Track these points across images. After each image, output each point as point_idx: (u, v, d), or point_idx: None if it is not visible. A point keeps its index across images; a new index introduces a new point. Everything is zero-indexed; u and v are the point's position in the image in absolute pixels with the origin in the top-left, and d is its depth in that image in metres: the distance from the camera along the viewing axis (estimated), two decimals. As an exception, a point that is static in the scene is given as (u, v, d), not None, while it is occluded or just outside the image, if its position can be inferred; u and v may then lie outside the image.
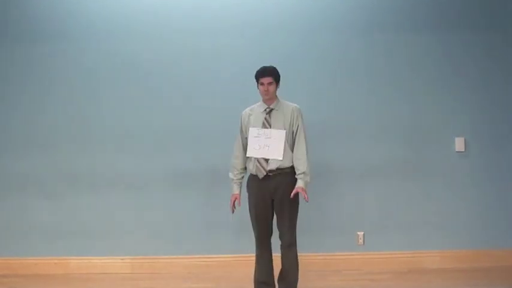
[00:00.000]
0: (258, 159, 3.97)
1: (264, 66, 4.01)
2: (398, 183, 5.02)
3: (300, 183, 3.93)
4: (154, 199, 5.07)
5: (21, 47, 5.12)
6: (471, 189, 5.02)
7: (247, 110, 4.14)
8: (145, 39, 5.09)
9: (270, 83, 3.96)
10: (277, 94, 4.08)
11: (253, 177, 4.03)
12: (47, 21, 5.11)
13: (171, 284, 4.76)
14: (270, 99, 4.02)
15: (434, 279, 4.69)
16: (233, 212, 4.11)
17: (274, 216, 4.07)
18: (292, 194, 3.92)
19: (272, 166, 3.94)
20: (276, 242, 4.08)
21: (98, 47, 5.10)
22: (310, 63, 5.04)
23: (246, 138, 4.06)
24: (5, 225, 5.12)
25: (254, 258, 4.11)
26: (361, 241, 5.02)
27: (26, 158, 5.10)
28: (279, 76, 4.03)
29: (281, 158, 3.93)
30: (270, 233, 4.08)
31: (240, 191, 4.10)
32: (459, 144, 5.00)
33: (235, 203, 4.08)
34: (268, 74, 3.97)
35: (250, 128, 4.03)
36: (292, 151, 4.00)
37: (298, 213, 4.05)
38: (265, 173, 3.95)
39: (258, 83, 4.02)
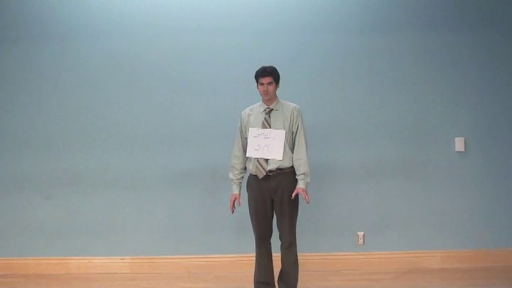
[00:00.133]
0: (257, 160, 3.97)
1: (263, 66, 4.01)
2: (398, 183, 5.02)
3: (300, 184, 3.93)
4: (154, 199, 5.07)
5: (20, 47, 5.11)
6: (471, 189, 5.01)
7: (247, 110, 4.14)
8: (145, 40, 5.08)
9: (269, 83, 3.97)
10: (277, 94, 4.08)
11: (253, 178, 4.04)
12: (46, 21, 5.10)
13: (171, 284, 4.76)
14: (269, 99, 4.03)
15: (434, 279, 4.69)
16: (233, 212, 4.11)
17: (274, 216, 4.07)
18: (293, 195, 3.93)
19: (272, 166, 3.95)
20: (276, 242, 4.09)
21: (98, 47, 5.09)
22: (310, 63, 5.03)
23: (246, 138, 4.06)
24: (5, 225, 5.12)
25: (254, 258, 4.11)
26: (361, 241, 5.02)
27: (26, 158, 5.10)
28: (279, 76, 4.03)
29: (281, 158, 3.94)
30: (270, 233, 4.09)
31: (240, 191, 4.10)
32: (459, 144, 5.00)
33: (235, 203, 4.08)
34: (268, 74, 3.97)
35: (250, 128, 4.03)
36: (292, 151, 4.00)
37: (298, 213, 4.06)
38: (265, 173, 3.95)
39: (257, 83, 4.02)
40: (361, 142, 5.02)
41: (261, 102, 4.10)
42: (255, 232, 4.08)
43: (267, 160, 3.96)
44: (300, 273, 4.06)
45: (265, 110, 4.04)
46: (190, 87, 5.07)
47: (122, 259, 5.08)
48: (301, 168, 3.95)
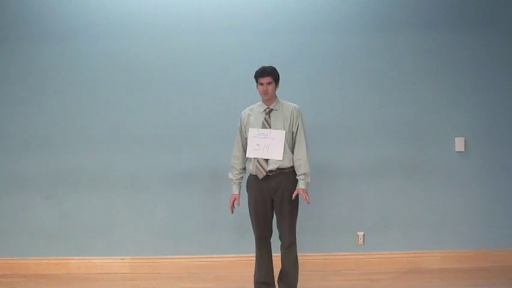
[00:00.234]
0: (257, 160, 3.97)
1: (263, 66, 4.01)
2: (398, 183, 5.02)
3: (301, 185, 3.94)
4: (154, 199, 5.07)
5: (19, 47, 5.11)
6: (471, 189, 5.01)
7: (247, 110, 4.14)
8: (146, 40, 5.08)
9: (269, 83, 3.97)
10: (277, 94, 4.08)
11: (253, 178, 4.04)
12: (46, 21, 5.10)
13: (171, 284, 4.76)
14: (269, 99, 4.03)
15: (434, 279, 4.69)
16: (232, 212, 4.11)
17: (274, 216, 4.07)
18: (293, 195, 3.93)
19: (272, 166, 3.95)
20: (276, 242, 4.09)
21: (98, 47, 5.09)
22: (310, 63, 5.03)
23: (246, 138, 4.06)
24: (5, 225, 5.12)
25: (254, 258, 4.12)
26: (361, 241, 5.02)
27: (26, 158, 5.10)
28: (278, 76, 4.03)
29: (281, 159, 3.94)
30: (270, 233, 4.09)
31: (240, 191, 4.10)
32: (459, 144, 5.00)
33: (235, 203, 4.08)
34: (267, 74, 3.97)
35: (250, 129, 4.03)
36: (292, 151, 4.00)
37: (298, 213, 4.06)
38: (265, 174, 3.95)
39: (257, 83, 4.02)
40: (361, 142, 5.01)
41: (260, 102, 4.10)
42: (255, 232, 4.09)
43: (267, 160, 3.96)
44: (300, 273, 4.06)
45: (265, 110, 4.04)
46: (190, 87, 5.07)
47: (122, 259, 5.08)
48: (301, 169, 3.95)
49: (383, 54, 5.04)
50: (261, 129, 4.00)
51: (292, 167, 3.99)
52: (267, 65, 4.03)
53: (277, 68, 4.04)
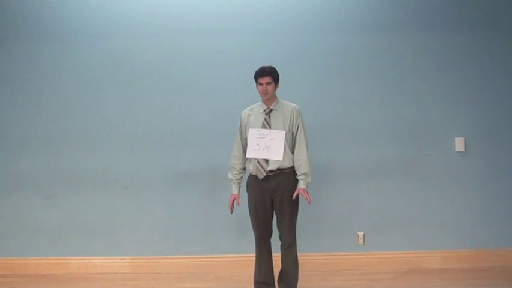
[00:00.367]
0: (258, 160, 3.97)
1: (262, 66, 4.01)
2: (398, 183, 5.02)
3: (301, 185, 3.94)
4: (154, 199, 5.07)
5: (19, 47, 5.11)
6: (471, 189, 5.01)
7: (247, 110, 4.14)
8: (145, 40, 5.08)
9: (268, 83, 3.96)
10: (277, 94, 4.08)
11: (253, 178, 4.03)
12: (46, 21, 5.10)
13: (171, 284, 4.76)
14: (269, 99, 4.02)
15: (434, 279, 4.69)
16: (232, 212, 4.11)
17: (274, 216, 4.07)
18: (293, 195, 3.93)
19: (272, 166, 3.95)
20: (276, 242, 4.09)
21: (98, 47, 5.09)
22: (310, 63, 5.03)
23: (246, 138, 4.06)
24: (5, 225, 5.13)
25: (254, 258, 4.12)
26: (361, 241, 5.02)
27: (26, 158, 5.10)
28: (278, 76, 4.03)
29: (281, 159, 3.94)
30: (270, 233, 4.09)
31: (239, 191, 4.10)
32: (459, 144, 5.00)
33: (234, 203, 4.08)
34: (267, 74, 3.97)
35: (250, 129, 4.03)
36: (292, 152, 4.00)
37: (298, 213, 4.06)
38: (265, 174, 3.95)
39: (256, 83, 4.02)
40: (361, 142, 5.01)
41: (260, 103, 4.09)
42: (255, 232, 4.08)
43: (267, 160, 3.96)
44: (300, 273, 4.06)
45: (265, 110, 4.04)
46: (190, 87, 5.07)
47: (122, 259, 5.08)
48: (301, 169, 3.95)
49: (383, 54, 5.04)
50: (261, 130, 4.00)
51: (292, 167, 3.99)
52: (266, 65, 4.03)
53: (277, 68, 4.04)
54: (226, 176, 4.17)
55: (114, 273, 5.03)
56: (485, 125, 5.02)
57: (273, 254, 4.12)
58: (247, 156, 4.04)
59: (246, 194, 4.10)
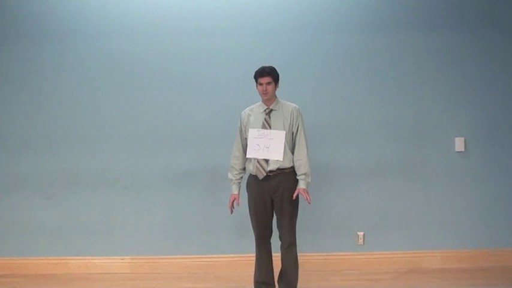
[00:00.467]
0: (258, 160, 3.97)
1: (262, 66, 4.01)
2: (398, 183, 5.02)
3: (301, 185, 3.94)
4: (154, 199, 5.07)
5: (19, 47, 5.11)
6: (471, 189, 5.01)
7: (247, 110, 4.14)
8: (145, 40, 5.08)
9: (268, 83, 3.96)
10: (277, 94, 4.08)
11: (253, 178, 4.03)
12: (46, 21, 5.10)
13: (171, 284, 4.76)
14: (269, 99, 4.02)
15: (434, 279, 4.69)
16: (232, 212, 4.11)
17: (274, 216, 4.07)
18: (294, 195, 3.93)
19: (272, 166, 3.95)
20: (276, 242, 4.09)
21: (98, 47, 5.09)
22: (310, 63, 5.03)
23: (246, 138, 4.06)
24: (5, 225, 5.13)
25: (254, 258, 4.12)
26: (361, 241, 5.02)
27: (26, 158, 5.10)
28: (278, 76, 4.03)
29: (281, 159, 3.94)
30: (270, 233, 4.09)
31: (239, 191, 4.10)
32: (459, 144, 5.00)
33: (234, 203, 4.08)
34: (267, 74, 3.97)
35: (250, 129, 4.03)
36: (292, 152, 4.00)
37: (298, 213, 4.06)
38: (265, 174, 3.95)
39: (256, 83, 4.02)
40: (361, 142, 5.01)
41: (260, 103, 4.09)
42: (255, 232, 4.08)
43: (267, 161, 3.96)
44: (300, 273, 4.06)
45: (265, 110, 4.04)
46: (190, 87, 5.07)
47: (122, 259, 5.08)
48: (301, 169, 3.95)
49: (383, 54, 5.04)
50: (261, 130, 4.00)
51: (293, 167, 3.99)
52: (266, 65, 4.03)
53: (277, 68, 4.04)
54: (226, 176, 4.17)
55: (114, 273, 5.03)
56: (485, 125, 5.02)
57: (273, 254, 4.12)
58: (247, 156, 4.04)
59: (246, 194, 4.10)
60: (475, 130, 5.02)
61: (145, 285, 4.76)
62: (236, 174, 4.09)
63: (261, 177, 3.96)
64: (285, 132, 3.97)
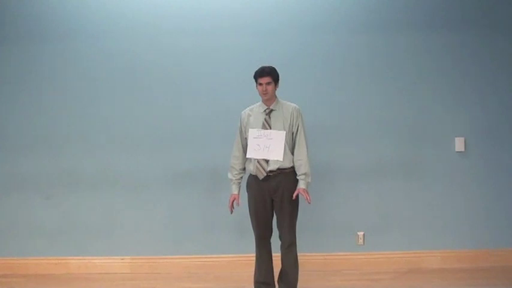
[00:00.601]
0: (258, 160, 3.97)
1: (262, 66, 4.01)
2: (398, 183, 5.01)
3: (301, 185, 3.94)
4: (154, 199, 5.07)
5: (19, 47, 5.11)
6: (471, 189, 5.01)
7: (247, 110, 4.14)
8: (145, 40, 5.08)
9: (268, 83, 3.96)
10: (277, 94, 4.08)
11: (253, 178, 4.03)
12: (46, 21, 5.10)
13: (171, 284, 4.76)
14: (269, 99, 4.02)
15: (434, 279, 4.69)
16: (232, 212, 4.11)
17: (274, 216, 4.07)
18: (294, 195, 3.93)
19: (272, 166, 3.95)
20: (276, 242, 4.09)
21: (98, 47, 5.09)
22: (310, 63, 5.03)
23: (246, 138, 4.06)
24: (5, 225, 5.13)
25: (254, 258, 4.12)
26: (361, 241, 5.02)
27: (25, 158, 5.10)
28: (278, 76, 4.03)
29: (281, 159, 3.94)
30: (270, 233, 4.09)
31: (239, 191, 4.10)
32: (459, 144, 5.00)
33: (234, 203, 4.08)
34: (267, 74, 3.97)
35: (250, 129, 4.03)
36: (292, 152, 4.00)
37: (298, 213, 4.06)
38: (265, 174, 3.95)
39: (256, 83, 4.02)
40: (361, 142, 5.01)
41: (260, 103, 4.09)
42: (255, 232, 4.08)
43: (267, 161, 3.95)
44: (300, 273, 4.06)
45: (265, 110, 4.04)
46: (190, 87, 5.07)
47: (122, 259, 5.08)
48: (301, 169, 3.95)
49: (383, 54, 5.04)
50: (261, 130, 4.00)
51: (293, 167, 3.99)
52: (266, 65, 4.03)
53: (277, 68, 4.04)
54: (226, 176, 4.17)
55: (114, 273, 5.03)
56: (485, 125, 5.02)
57: (273, 254, 4.12)
58: (247, 157, 4.04)
59: (246, 194, 4.10)
60: (475, 130, 5.02)
61: (145, 285, 4.76)
62: (236, 174, 4.09)
63: (261, 177, 3.96)
64: (285, 132, 3.97)
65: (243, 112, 4.15)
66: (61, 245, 5.10)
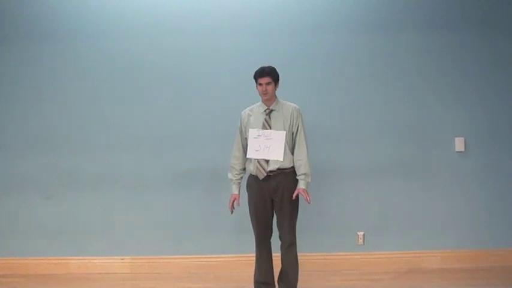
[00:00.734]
0: (258, 160, 3.97)
1: (262, 67, 4.01)
2: (398, 183, 5.02)
3: (301, 185, 3.94)
4: (154, 199, 5.07)
5: (19, 47, 5.11)
6: (471, 189, 5.01)
7: (247, 110, 4.14)
8: (145, 40, 5.08)
9: (268, 83, 3.96)
10: (277, 94, 4.08)
11: (253, 178, 4.03)
12: (46, 21, 5.10)
13: (171, 284, 4.76)
14: (269, 99, 4.02)
15: (434, 279, 4.69)
16: (232, 212, 4.11)
17: (274, 216, 4.07)
18: (293, 195, 3.93)
19: (273, 166, 3.95)
20: (276, 242, 4.09)
21: (98, 47, 5.09)
22: (310, 63, 5.03)
23: (246, 138, 4.06)
24: (5, 225, 5.13)
25: (254, 258, 4.12)
26: (361, 241, 5.02)
27: (25, 158, 5.10)
28: (278, 76, 4.03)
29: (281, 159, 3.94)
30: (270, 233, 4.09)
31: (239, 191, 4.10)
32: (459, 144, 5.00)
33: (234, 203, 4.08)
34: (266, 74, 3.97)
35: (250, 130, 4.03)
36: (292, 152, 4.00)
37: (298, 213, 4.06)
38: (265, 174, 3.95)
39: (256, 83, 4.02)
40: (361, 142, 5.01)
41: (260, 103, 4.09)
42: (255, 232, 4.08)
43: (267, 161, 3.95)
44: (300, 273, 4.06)
45: (265, 110, 4.04)
46: (190, 87, 5.07)
47: (122, 259, 5.08)
48: (301, 169, 3.95)
49: (383, 54, 5.04)
50: (261, 130, 4.00)
51: (293, 167, 3.99)
52: (266, 65, 4.03)
53: (277, 68, 4.04)
54: (226, 176, 4.17)
55: (114, 273, 5.03)
56: (485, 125, 5.02)
57: (273, 254, 4.12)
58: (247, 157, 4.04)
59: (246, 194, 4.10)
60: (475, 130, 5.02)
61: (145, 285, 4.76)
62: (236, 174, 4.09)
63: (261, 177, 3.96)
64: (285, 132, 3.97)
65: (243, 112, 4.15)
66: (61, 245, 5.10)
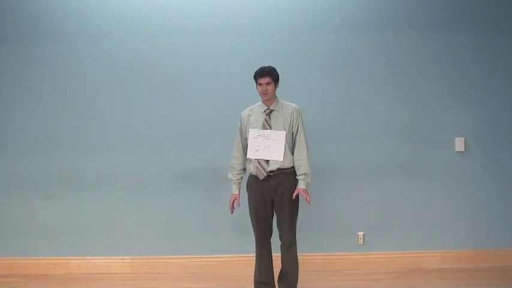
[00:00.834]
0: (258, 160, 3.97)
1: (262, 67, 4.01)
2: (398, 183, 5.02)
3: (301, 185, 3.94)
4: (154, 199, 5.07)
5: (19, 47, 5.11)
6: (471, 189, 5.01)
7: (247, 110, 4.14)
8: (145, 40, 5.08)
9: (268, 83, 3.96)
10: (277, 94, 4.08)
11: (253, 178, 4.03)
12: (46, 21, 5.10)
13: (171, 284, 4.76)
14: (269, 99, 4.02)
15: (434, 279, 4.69)
16: (232, 212, 4.11)
17: (274, 216, 4.07)
18: (293, 196, 3.93)
19: (273, 167, 3.95)
20: (276, 242, 4.09)
21: (98, 48, 5.09)
22: (310, 63, 5.03)
23: (246, 138, 4.06)
24: (5, 225, 5.13)
25: (254, 258, 4.12)
26: (361, 241, 5.02)
27: (26, 158, 5.10)
28: (278, 76, 4.03)
29: (281, 159, 3.94)
30: (270, 233, 4.09)
31: (240, 191, 4.10)
32: (459, 144, 5.00)
33: (235, 203, 4.08)
34: (266, 74, 3.97)
35: (250, 130, 4.03)
36: (292, 152, 4.00)
37: (298, 213, 4.06)
38: (265, 174, 3.95)
39: (256, 83, 4.02)
40: (361, 142, 5.01)
41: (260, 103, 4.09)
42: (255, 232, 4.08)
43: (267, 161, 3.95)
44: (300, 273, 4.06)
45: (265, 110, 4.04)
46: (190, 87, 5.07)
47: (122, 259, 5.08)
48: (301, 169, 3.95)
49: (383, 54, 5.04)
50: (261, 130, 4.00)
51: (293, 167, 3.99)
52: (266, 65, 4.03)
53: (277, 68, 4.04)
54: (226, 176, 4.17)
55: (114, 273, 5.03)
56: (485, 125, 5.02)
57: (273, 254, 4.12)
58: (247, 157, 4.04)
59: (246, 194, 4.10)
60: (475, 130, 5.02)
61: (145, 285, 4.76)
62: (236, 174, 4.09)
63: (261, 177, 3.96)
64: (285, 132, 3.97)
65: (243, 112, 4.15)
66: (61, 245, 5.10)
